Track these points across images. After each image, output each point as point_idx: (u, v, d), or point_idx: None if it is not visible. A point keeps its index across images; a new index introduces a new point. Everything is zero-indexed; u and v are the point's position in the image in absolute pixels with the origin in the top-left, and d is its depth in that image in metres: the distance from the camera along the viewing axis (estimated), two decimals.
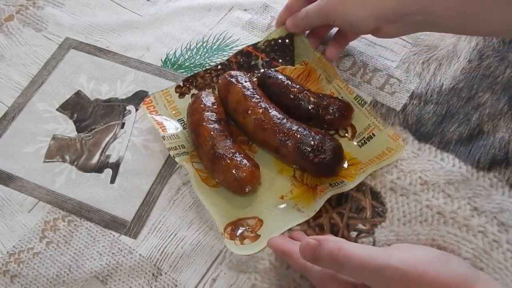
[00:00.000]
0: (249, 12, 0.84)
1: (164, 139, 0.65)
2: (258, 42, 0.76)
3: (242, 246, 0.58)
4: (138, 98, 0.74)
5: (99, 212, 0.63)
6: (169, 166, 0.67)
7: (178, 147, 0.66)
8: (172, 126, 0.68)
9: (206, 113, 0.64)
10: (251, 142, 0.68)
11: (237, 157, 0.60)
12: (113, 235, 0.62)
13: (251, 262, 0.59)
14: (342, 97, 0.69)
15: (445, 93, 0.73)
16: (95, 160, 0.68)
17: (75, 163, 0.68)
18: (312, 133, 0.61)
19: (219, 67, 0.74)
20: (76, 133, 0.71)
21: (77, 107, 0.74)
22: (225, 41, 0.80)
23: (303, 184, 0.64)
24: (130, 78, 0.76)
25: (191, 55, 0.79)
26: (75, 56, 0.79)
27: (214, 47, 0.80)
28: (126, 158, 0.68)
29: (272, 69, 0.71)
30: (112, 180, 0.66)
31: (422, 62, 0.76)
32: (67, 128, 0.72)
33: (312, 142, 0.60)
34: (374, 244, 0.60)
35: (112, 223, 0.62)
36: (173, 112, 0.70)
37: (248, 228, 0.60)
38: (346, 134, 0.68)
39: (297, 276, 0.57)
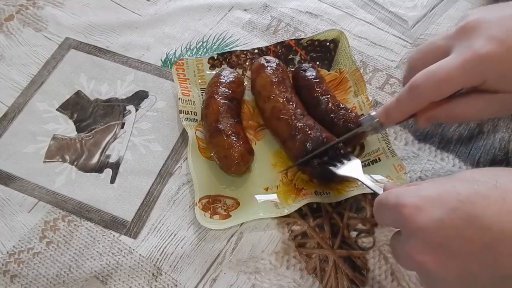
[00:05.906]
0: (249, 12, 0.84)
1: (180, 101, 0.68)
2: (302, 38, 0.76)
3: (209, 219, 0.59)
4: (138, 98, 0.74)
5: (99, 212, 0.63)
6: (169, 166, 0.67)
7: (190, 113, 0.68)
8: (193, 93, 0.71)
9: (222, 88, 0.66)
10: (260, 129, 0.69)
11: (234, 136, 0.61)
12: (113, 235, 0.61)
13: (251, 262, 0.59)
14: (363, 113, 0.67)
15: None
16: (95, 160, 0.68)
17: (75, 163, 0.68)
18: (323, 135, 0.60)
19: (256, 51, 0.75)
20: (76, 133, 0.71)
21: (77, 107, 0.73)
22: (225, 41, 0.80)
23: (291, 183, 0.63)
24: (130, 78, 0.76)
25: (191, 55, 0.79)
26: (75, 56, 0.79)
27: (214, 47, 0.80)
28: (126, 158, 0.68)
29: (309, 64, 0.71)
30: (112, 180, 0.66)
31: None
32: (67, 128, 0.72)
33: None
34: (374, 244, 0.60)
35: (112, 223, 0.62)
36: (199, 81, 0.73)
37: (223, 206, 0.61)
38: (352, 151, 0.65)
39: (297, 276, 0.57)
